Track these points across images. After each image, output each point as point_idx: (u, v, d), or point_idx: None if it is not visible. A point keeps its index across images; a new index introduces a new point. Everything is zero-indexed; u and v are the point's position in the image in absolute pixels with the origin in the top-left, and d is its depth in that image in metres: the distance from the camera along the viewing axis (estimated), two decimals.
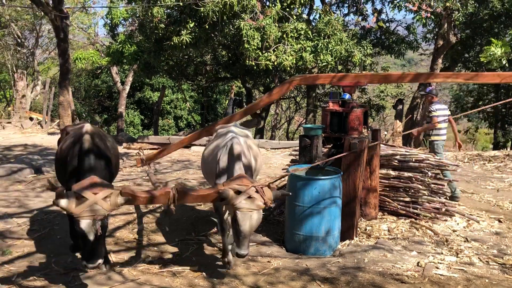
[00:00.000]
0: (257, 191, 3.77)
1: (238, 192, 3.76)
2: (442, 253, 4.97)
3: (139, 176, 8.75)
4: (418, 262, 4.71)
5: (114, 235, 5.44)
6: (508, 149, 13.30)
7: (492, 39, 11.38)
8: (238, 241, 3.80)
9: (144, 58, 13.46)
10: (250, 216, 3.74)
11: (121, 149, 11.76)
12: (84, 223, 3.44)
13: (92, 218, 3.44)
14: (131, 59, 13.75)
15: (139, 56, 13.54)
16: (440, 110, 7.15)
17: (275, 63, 11.39)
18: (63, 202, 3.41)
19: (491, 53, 10.94)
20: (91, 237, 3.48)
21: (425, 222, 5.81)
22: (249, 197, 3.74)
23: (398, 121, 14.60)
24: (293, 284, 4.23)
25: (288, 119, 24.04)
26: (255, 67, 11.75)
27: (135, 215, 6.21)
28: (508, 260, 4.78)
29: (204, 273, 4.40)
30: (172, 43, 11.63)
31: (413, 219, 5.86)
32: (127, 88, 20.85)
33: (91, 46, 22.31)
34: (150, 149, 11.81)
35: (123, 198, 3.60)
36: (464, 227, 5.80)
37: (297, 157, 6.30)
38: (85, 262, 3.60)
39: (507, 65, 11.84)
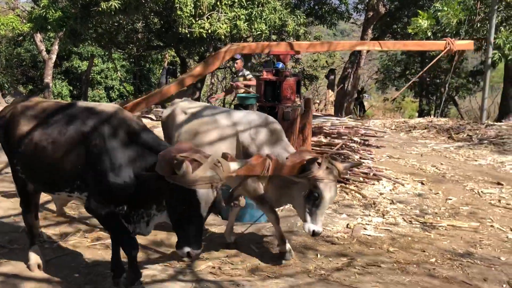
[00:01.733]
0: (330, 162, 3.59)
1: (318, 164, 3.54)
2: (369, 215, 5.25)
3: None
4: (348, 224, 4.95)
5: (42, 210, 5.21)
6: (432, 116, 14.08)
7: (419, 11, 11.86)
8: (316, 217, 3.60)
9: (70, 25, 12.67)
10: (330, 187, 3.55)
11: None
12: (202, 193, 2.79)
13: (209, 186, 2.82)
14: (56, 26, 12.88)
15: (65, 22, 12.72)
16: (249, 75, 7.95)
17: (209, 31, 11.17)
18: (184, 167, 2.75)
19: (418, 25, 11.43)
20: (205, 213, 2.86)
21: (354, 186, 6.08)
22: (327, 168, 3.55)
23: (330, 90, 15.00)
24: (229, 250, 4.30)
25: (224, 89, 23.88)
26: (188, 35, 11.49)
27: None
28: (428, 219, 5.14)
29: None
30: (100, 8, 11.04)
31: (343, 184, 6.10)
32: (54, 57, 19.66)
33: (11, 11, 20.72)
34: None
35: (236, 163, 3.13)
36: (390, 190, 6.13)
37: None
38: (189, 249, 2.87)
39: (432, 37, 12.44)
